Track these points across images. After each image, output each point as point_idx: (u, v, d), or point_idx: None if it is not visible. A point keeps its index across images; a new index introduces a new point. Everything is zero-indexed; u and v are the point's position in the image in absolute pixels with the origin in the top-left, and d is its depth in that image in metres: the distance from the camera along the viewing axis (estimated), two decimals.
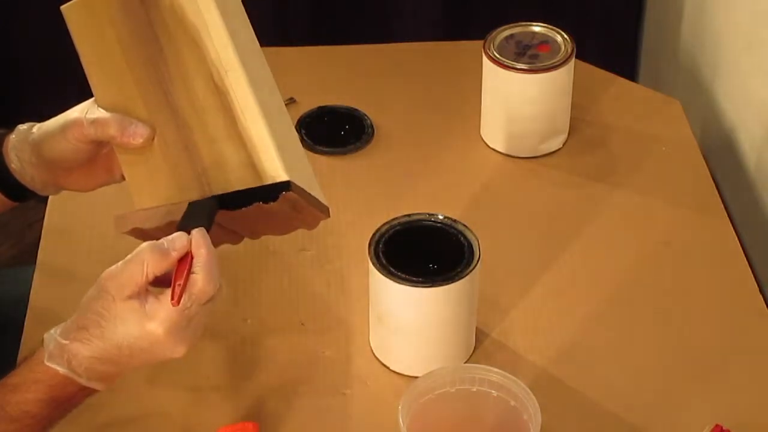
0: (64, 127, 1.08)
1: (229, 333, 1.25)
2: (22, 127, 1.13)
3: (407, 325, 1.17)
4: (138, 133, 1.06)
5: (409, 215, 1.19)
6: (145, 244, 0.97)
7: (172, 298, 0.95)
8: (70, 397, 1.00)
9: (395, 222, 1.18)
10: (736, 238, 1.36)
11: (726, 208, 1.41)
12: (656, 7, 2.00)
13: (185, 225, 1.00)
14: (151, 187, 1.09)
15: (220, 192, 1.03)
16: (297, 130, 1.50)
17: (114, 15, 1.06)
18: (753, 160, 1.51)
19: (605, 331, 1.25)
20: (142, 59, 1.06)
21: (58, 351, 0.98)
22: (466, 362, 1.21)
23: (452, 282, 1.13)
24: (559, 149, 1.49)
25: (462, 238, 1.17)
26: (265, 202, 1.00)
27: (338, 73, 1.62)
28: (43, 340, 1.00)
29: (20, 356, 1.16)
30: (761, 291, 1.29)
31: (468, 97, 1.52)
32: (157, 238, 0.99)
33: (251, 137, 1.00)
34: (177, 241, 0.98)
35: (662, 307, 1.28)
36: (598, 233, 1.37)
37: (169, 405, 1.17)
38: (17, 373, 1.00)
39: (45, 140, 1.10)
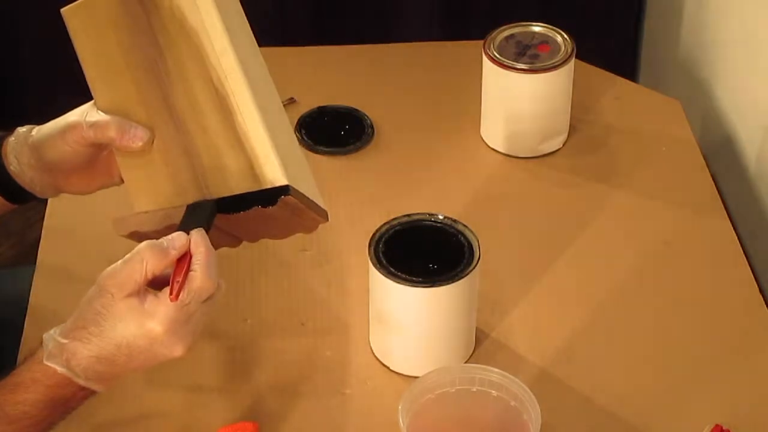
0: (64, 130, 1.08)
1: (229, 333, 1.25)
2: (22, 129, 1.13)
3: (407, 325, 1.17)
4: (137, 137, 1.06)
5: (409, 215, 1.19)
6: (144, 243, 0.98)
7: (171, 294, 0.95)
8: (68, 398, 1.00)
9: (395, 222, 1.18)
10: (736, 238, 1.36)
11: (726, 208, 1.41)
12: (656, 7, 2.00)
13: (185, 226, 1.01)
14: (150, 190, 1.09)
15: (219, 196, 1.03)
16: (297, 130, 1.50)
17: (114, 18, 1.06)
18: (753, 160, 1.51)
19: (605, 331, 1.25)
20: (141, 62, 1.06)
21: (57, 350, 0.98)
22: (466, 362, 1.21)
23: (452, 282, 1.13)
24: (559, 149, 1.49)
25: (462, 238, 1.17)
26: (264, 206, 1.00)
27: (338, 73, 1.62)
28: (42, 339, 1.00)
29: (20, 356, 1.16)
30: (761, 291, 1.30)
31: (468, 97, 1.52)
32: None
33: (250, 141, 1.00)
34: (176, 240, 0.98)
35: (662, 307, 1.28)
36: (598, 233, 1.37)
37: (169, 405, 1.17)
38: (16, 373, 1.00)
39: (44, 143, 1.09)
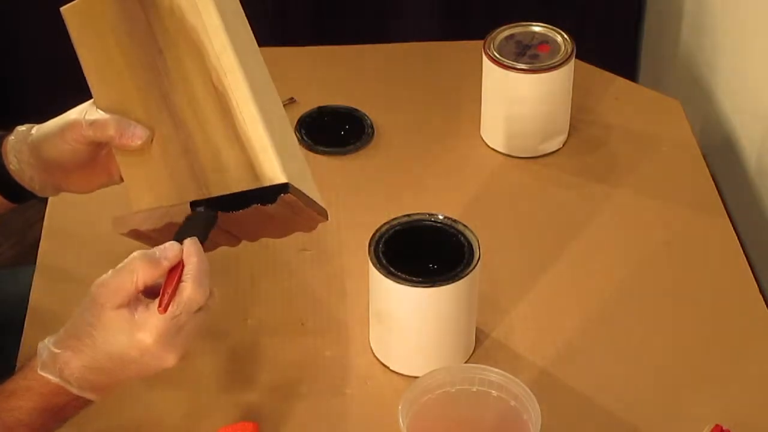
0: (63, 129, 1.08)
1: (229, 333, 1.25)
2: (21, 128, 1.13)
3: (407, 325, 1.17)
4: (137, 135, 1.06)
5: (409, 215, 1.19)
6: (136, 253, 0.97)
7: (160, 306, 0.95)
8: (63, 407, 1.00)
9: (395, 222, 1.18)
10: (736, 238, 1.36)
11: (726, 208, 1.40)
12: (656, 7, 2.00)
13: (180, 235, 1.00)
14: (150, 188, 1.09)
15: (218, 194, 1.03)
16: (297, 130, 1.50)
17: (113, 17, 1.06)
18: (753, 160, 1.51)
19: (605, 331, 1.25)
20: (141, 61, 1.06)
21: (51, 360, 0.98)
22: (466, 362, 1.21)
23: (452, 282, 1.13)
24: (559, 149, 1.49)
25: (462, 238, 1.17)
26: (263, 204, 1.00)
27: (338, 73, 1.62)
28: (37, 348, 1.00)
29: (20, 357, 1.17)
30: (761, 291, 1.29)
31: (468, 97, 1.52)
32: (155, 240, 0.99)
33: (250, 139, 1.00)
34: (169, 250, 0.98)
35: (662, 307, 1.28)
36: (598, 233, 1.37)
37: (169, 405, 1.17)
38: (11, 381, 1.00)
39: (44, 141, 1.10)
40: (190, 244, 0.98)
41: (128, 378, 1.00)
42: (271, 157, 1.00)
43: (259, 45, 1.08)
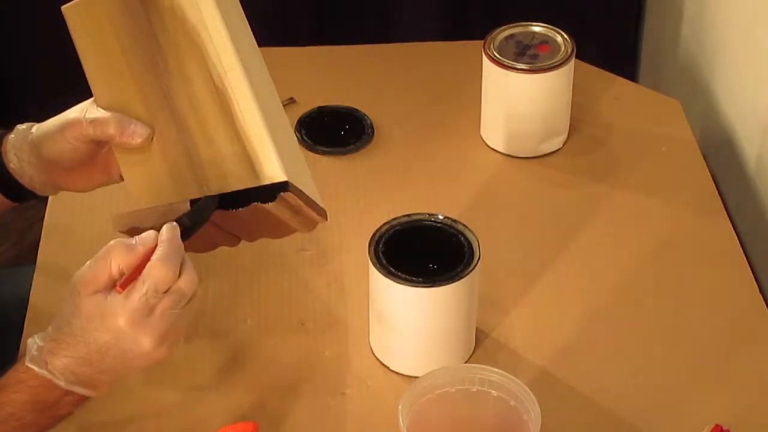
0: (63, 127, 1.08)
1: (229, 333, 1.25)
2: (21, 126, 1.13)
3: (407, 325, 1.17)
4: (137, 133, 1.07)
5: (409, 215, 1.19)
6: (113, 241, 0.98)
7: (118, 285, 0.95)
8: (54, 401, 0.99)
9: (395, 222, 1.18)
10: (736, 238, 1.36)
11: (726, 208, 1.40)
12: (656, 7, 2.00)
13: (179, 221, 1.01)
14: (150, 186, 1.09)
15: (217, 192, 1.03)
16: (297, 130, 1.50)
17: (114, 15, 1.06)
18: (753, 160, 1.51)
19: (605, 331, 1.25)
20: (141, 59, 1.06)
21: (38, 353, 0.98)
22: (466, 362, 1.21)
23: (452, 282, 1.13)
24: (559, 149, 1.49)
25: (462, 238, 1.17)
26: (263, 202, 1.00)
27: (338, 73, 1.62)
28: (27, 344, 1.00)
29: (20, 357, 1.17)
30: (761, 291, 1.29)
31: (468, 97, 1.52)
32: None
33: (250, 138, 1.01)
34: (146, 237, 0.98)
35: (662, 307, 1.28)
36: (598, 233, 1.37)
37: (169, 405, 1.17)
38: (4, 376, 1.00)
39: (44, 140, 1.10)
40: (165, 228, 0.98)
41: (114, 369, 0.99)
42: (271, 155, 1.00)
43: (259, 45, 1.08)
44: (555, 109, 1.46)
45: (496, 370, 1.08)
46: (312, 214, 1.04)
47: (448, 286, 1.13)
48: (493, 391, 1.08)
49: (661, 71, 1.96)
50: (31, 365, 0.98)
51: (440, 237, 1.18)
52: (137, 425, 1.16)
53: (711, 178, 1.45)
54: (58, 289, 1.28)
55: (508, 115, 1.45)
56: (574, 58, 1.43)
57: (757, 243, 1.45)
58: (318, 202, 1.05)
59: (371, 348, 1.23)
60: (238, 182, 1.02)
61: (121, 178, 1.12)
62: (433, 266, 1.17)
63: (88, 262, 0.98)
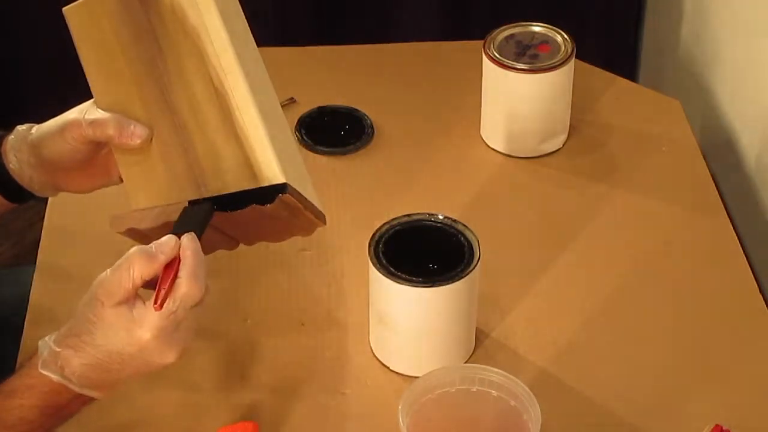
0: (63, 128, 1.08)
1: (229, 333, 1.25)
2: (21, 127, 1.13)
3: (407, 325, 1.17)
4: (136, 134, 1.07)
5: (409, 215, 1.19)
6: (133, 249, 0.98)
7: (155, 303, 0.95)
8: (65, 404, 1.00)
9: (395, 222, 1.18)
10: (736, 238, 1.36)
11: (726, 208, 1.40)
12: (656, 7, 2.00)
13: (178, 228, 1.01)
14: (148, 187, 1.09)
15: (216, 193, 1.03)
16: (297, 130, 1.50)
17: (114, 17, 1.06)
18: (753, 160, 1.51)
19: (605, 331, 1.25)
20: (141, 60, 1.06)
21: (52, 358, 0.98)
22: (466, 362, 1.21)
23: (452, 282, 1.13)
24: (559, 149, 1.49)
25: (462, 238, 1.17)
26: (261, 204, 1.00)
27: (338, 73, 1.62)
28: (38, 346, 1.00)
29: (20, 356, 1.17)
30: (761, 291, 1.29)
31: (468, 97, 1.52)
32: (152, 239, 0.99)
33: (249, 139, 1.01)
34: (165, 245, 0.98)
35: (662, 307, 1.28)
36: (598, 233, 1.37)
37: (169, 405, 1.17)
38: (12, 380, 1.00)
39: (43, 141, 1.10)
40: (187, 239, 0.99)
41: (129, 375, 1.00)
42: (270, 157, 1.00)
43: (259, 45, 1.08)
44: (555, 109, 1.46)
45: (496, 370, 1.08)
46: (311, 217, 1.04)
47: (448, 286, 1.13)
48: (493, 391, 1.08)
49: (661, 71, 1.96)
50: (44, 371, 0.98)
51: (440, 237, 1.18)
52: (137, 425, 1.16)
53: (711, 178, 1.45)
54: (58, 289, 1.28)
55: (508, 115, 1.45)
56: (574, 58, 1.43)
57: (757, 243, 1.45)
58: (317, 205, 1.05)
59: (371, 348, 1.23)
60: (237, 184, 1.02)
61: (121, 180, 1.12)
62: (433, 266, 1.17)
63: (108, 271, 0.97)
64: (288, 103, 1.54)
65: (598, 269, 1.33)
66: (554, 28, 1.46)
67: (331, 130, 1.51)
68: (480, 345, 1.23)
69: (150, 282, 0.97)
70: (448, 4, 2.07)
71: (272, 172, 1.00)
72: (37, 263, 1.33)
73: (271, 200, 1.00)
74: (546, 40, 1.45)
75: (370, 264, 1.15)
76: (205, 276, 0.98)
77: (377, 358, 1.22)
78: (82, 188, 1.15)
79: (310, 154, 1.47)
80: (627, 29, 2.07)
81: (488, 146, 1.49)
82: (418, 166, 1.47)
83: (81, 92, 1.11)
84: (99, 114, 1.08)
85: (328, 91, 1.57)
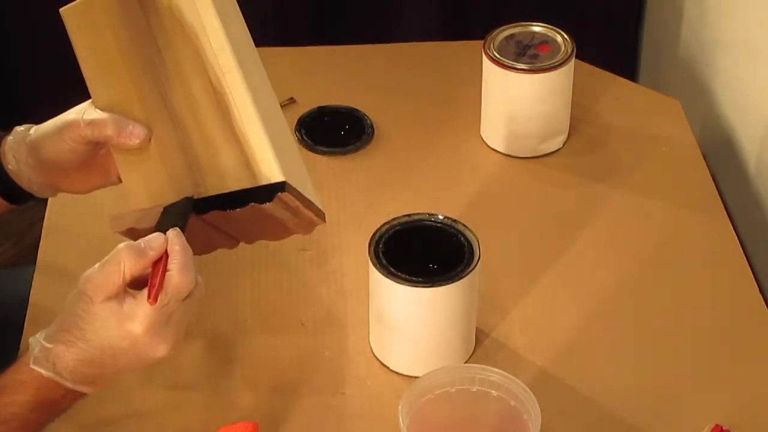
0: (61, 128, 1.08)
1: (228, 333, 1.25)
2: (20, 128, 1.13)
3: (407, 325, 1.17)
4: (135, 134, 1.07)
5: (409, 215, 1.19)
6: (122, 245, 0.98)
7: (149, 297, 0.96)
8: (57, 400, 1.00)
9: (395, 222, 1.18)
10: (736, 238, 1.36)
11: (726, 208, 1.40)
12: (656, 7, 2.00)
13: (161, 225, 1.01)
14: (147, 187, 1.09)
15: (215, 193, 1.03)
16: (297, 130, 1.50)
17: (112, 17, 1.06)
18: (753, 160, 1.51)
19: (605, 331, 1.25)
20: (139, 61, 1.06)
21: (43, 354, 0.98)
22: (466, 362, 1.21)
23: (452, 282, 1.13)
24: (559, 149, 1.49)
25: (462, 238, 1.17)
26: (261, 202, 1.00)
27: (338, 73, 1.62)
28: (29, 344, 1.00)
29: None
30: (761, 291, 1.29)
31: (468, 97, 1.52)
32: None
33: (248, 138, 1.01)
34: (153, 240, 0.98)
35: (662, 307, 1.28)
36: (598, 233, 1.37)
37: (169, 405, 1.17)
38: (4, 376, 1.00)
39: (42, 141, 1.10)
40: (173, 234, 0.99)
41: (122, 369, 1.00)
42: (269, 156, 1.00)
43: (259, 45, 1.08)
44: (555, 109, 1.46)
45: (496, 370, 1.08)
46: (310, 215, 1.04)
47: (448, 286, 1.13)
48: (493, 391, 1.08)
49: (661, 71, 1.96)
50: (35, 367, 0.98)
51: (440, 237, 1.18)
52: (137, 425, 1.16)
53: (711, 178, 1.45)
54: (58, 289, 1.28)
55: (508, 115, 1.45)
56: (574, 58, 1.43)
57: (757, 243, 1.45)
58: (316, 204, 1.05)
59: (371, 348, 1.23)
60: (236, 183, 1.02)
61: (120, 180, 1.12)
62: (433, 266, 1.17)
63: (96, 266, 0.97)
64: (288, 103, 1.54)
65: (598, 269, 1.33)
66: (554, 28, 1.46)
67: (331, 130, 1.51)
68: (480, 345, 1.23)
69: (134, 282, 0.97)
70: (448, 4, 2.07)
71: (271, 171, 1.00)
72: (37, 263, 1.33)
73: (270, 199, 1.00)
74: (546, 40, 1.45)
75: (370, 264, 1.15)
76: (194, 268, 0.98)
77: (377, 358, 1.22)
78: (81, 188, 1.15)
79: (310, 154, 1.47)
80: (627, 29, 2.07)
81: (488, 146, 1.49)
82: (418, 166, 1.47)
83: (81, 92, 1.11)
84: (97, 114, 1.08)
85: (328, 91, 1.57)
